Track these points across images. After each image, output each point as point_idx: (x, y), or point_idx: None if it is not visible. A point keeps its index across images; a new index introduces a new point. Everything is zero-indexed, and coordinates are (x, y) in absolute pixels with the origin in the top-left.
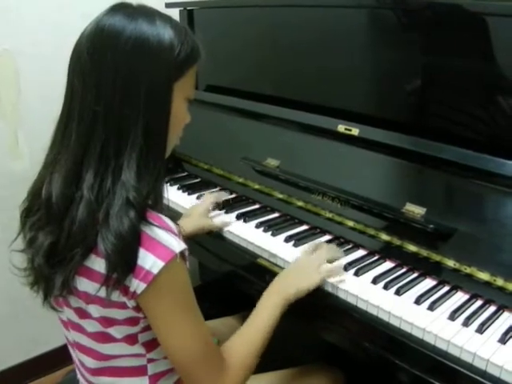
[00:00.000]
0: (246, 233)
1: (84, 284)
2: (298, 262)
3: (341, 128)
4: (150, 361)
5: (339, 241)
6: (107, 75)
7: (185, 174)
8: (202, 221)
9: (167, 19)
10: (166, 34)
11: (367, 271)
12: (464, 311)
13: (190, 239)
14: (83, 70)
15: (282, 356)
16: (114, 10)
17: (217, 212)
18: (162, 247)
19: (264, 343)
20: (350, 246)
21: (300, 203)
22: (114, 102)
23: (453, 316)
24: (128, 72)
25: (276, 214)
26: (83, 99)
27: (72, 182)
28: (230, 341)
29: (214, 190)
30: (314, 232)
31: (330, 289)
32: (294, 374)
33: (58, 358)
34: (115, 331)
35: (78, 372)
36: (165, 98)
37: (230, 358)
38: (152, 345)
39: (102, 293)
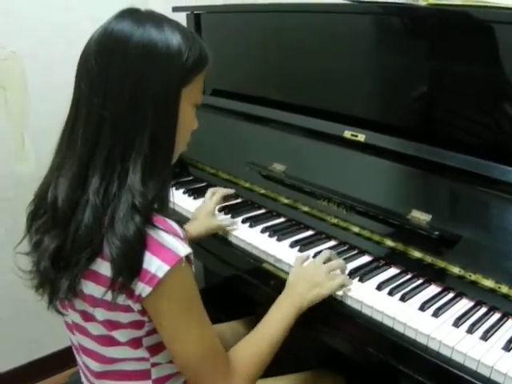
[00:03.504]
0: (252, 237)
1: (90, 287)
2: (308, 271)
3: (347, 134)
4: (153, 365)
5: (344, 246)
6: (114, 80)
7: (191, 178)
8: (208, 221)
9: (175, 25)
10: (175, 39)
11: (372, 277)
12: (468, 318)
13: (197, 242)
14: (90, 74)
15: (283, 362)
16: (123, 15)
17: (223, 217)
18: (167, 251)
19: (272, 352)
20: (355, 252)
21: (306, 208)
22: (121, 107)
23: (457, 323)
24: (136, 77)
25: (282, 219)
26: (90, 104)
27: (78, 186)
28: (238, 346)
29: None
30: (319, 237)
31: (334, 294)
32: (295, 379)
33: (60, 360)
34: (119, 334)
35: (82, 375)
36: (172, 104)
37: (237, 364)
38: (156, 349)
39: (108, 296)
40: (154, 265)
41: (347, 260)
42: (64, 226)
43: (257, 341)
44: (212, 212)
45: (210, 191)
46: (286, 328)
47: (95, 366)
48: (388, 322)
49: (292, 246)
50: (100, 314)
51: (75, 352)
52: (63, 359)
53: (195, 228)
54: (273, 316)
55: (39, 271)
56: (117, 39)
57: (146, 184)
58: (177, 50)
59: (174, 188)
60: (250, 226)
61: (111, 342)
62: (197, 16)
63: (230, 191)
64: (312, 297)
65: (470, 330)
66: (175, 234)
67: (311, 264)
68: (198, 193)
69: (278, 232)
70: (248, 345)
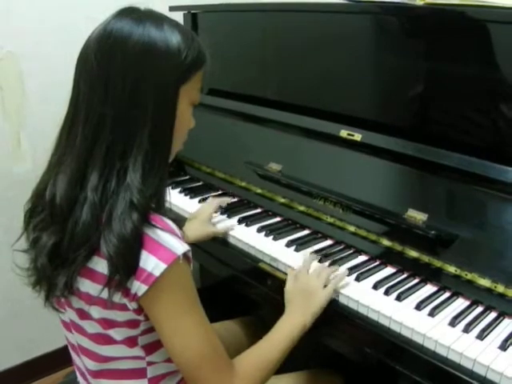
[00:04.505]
0: (248, 237)
1: (86, 285)
2: (303, 284)
3: (343, 133)
4: (149, 364)
5: (340, 246)
6: (114, 78)
7: (187, 177)
8: (205, 228)
9: (174, 24)
10: (174, 38)
11: (368, 277)
12: (464, 317)
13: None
14: (90, 72)
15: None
16: (122, 14)
17: (219, 217)
18: (164, 249)
19: (277, 364)
20: (351, 252)
21: (302, 208)
22: (121, 104)
23: (453, 322)
24: (135, 76)
25: (278, 219)
26: (89, 101)
27: (76, 183)
28: (245, 354)
29: (216, 193)
30: (315, 237)
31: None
32: (293, 379)
33: (57, 359)
34: (115, 333)
35: (78, 374)
36: (171, 102)
37: (240, 369)
38: (152, 348)
39: (104, 294)
40: (151, 263)
41: (343, 259)
42: (62, 223)
43: (263, 353)
44: (208, 219)
45: (210, 199)
46: (291, 345)
47: (91, 364)
48: (384, 322)
49: (288, 245)
50: (96, 312)
51: (72, 351)
52: (59, 358)
53: (192, 233)
54: (276, 337)
55: (36, 268)
56: (116, 38)
57: (145, 181)
58: (176, 49)
59: (170, 187)
60: (246, 226)
61: (107, 340)
62: (194, 15)
63: (228, 200)
64: (313, 313)
65: (466, 330)
66: (172, 233)
67: (302, 275)
68: (194, 192)
69: (274, 231)
70: (255, 354)
